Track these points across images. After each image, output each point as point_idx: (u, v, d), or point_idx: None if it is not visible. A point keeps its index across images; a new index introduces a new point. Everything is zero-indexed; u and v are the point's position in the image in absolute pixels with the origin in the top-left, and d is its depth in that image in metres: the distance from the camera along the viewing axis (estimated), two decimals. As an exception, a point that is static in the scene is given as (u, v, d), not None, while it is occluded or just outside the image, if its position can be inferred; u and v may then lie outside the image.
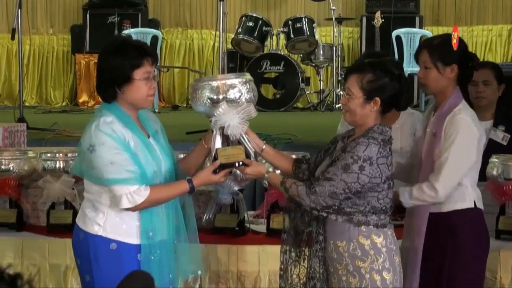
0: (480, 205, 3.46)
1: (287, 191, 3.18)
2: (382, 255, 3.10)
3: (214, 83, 3.25)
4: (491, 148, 4.46)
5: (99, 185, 3.13)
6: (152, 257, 3.14)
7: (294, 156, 3.54)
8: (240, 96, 3.23)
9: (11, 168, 4.20)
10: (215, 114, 3.20)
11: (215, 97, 3.22)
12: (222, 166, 3.21)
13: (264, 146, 3.37)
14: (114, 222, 3.15)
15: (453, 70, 3.45)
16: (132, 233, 3.15)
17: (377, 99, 3.13)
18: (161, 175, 3.20)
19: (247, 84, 3.27)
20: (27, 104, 9.95)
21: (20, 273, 1.39)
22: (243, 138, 3.25)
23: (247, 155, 3.24)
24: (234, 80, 3.27)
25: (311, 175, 3.26)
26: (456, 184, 3.37)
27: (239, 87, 3.25)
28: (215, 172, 3.21)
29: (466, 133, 3.37)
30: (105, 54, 3.19)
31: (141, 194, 3.08)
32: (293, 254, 3.28)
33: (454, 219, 3.42)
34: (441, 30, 10.32)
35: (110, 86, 3.14)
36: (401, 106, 3.26)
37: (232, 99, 3.22)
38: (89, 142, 3.09)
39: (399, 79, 3.17)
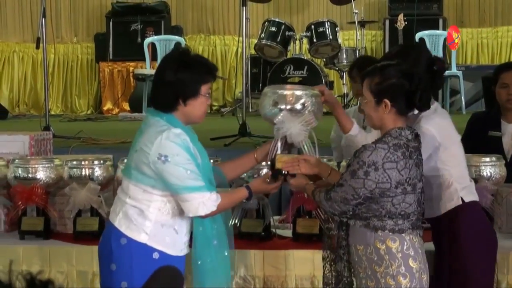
0: (469, 199, 3.48)
1: (314, 198, 3.25)
2: (397, 260, 3.08)
3: (283, 92, 3.42)
4: None
5: (173, 193, 3.15)
6: (207, 263, 3.22)
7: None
8: (303, 108, 3.41)
9: (38, 177, 4.22)
10: (275, 122, 3.37)
11: (282, 106, 3.40)
12: (276, 172, 3.32)
13: (330, 171, 3.43)
14: (159, 232, 3.18)
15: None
16: (173, 246, 3.19)
17: (386, 100, 3.13)
18: (213, 183, 3.29)
19: (313, 98, 3.44)
20: (52, 112, 10.02)
21: (51, 279, 1.40)
22: (304, 148, 3.38)
23: None
24: (302, 92, 3.44)
25: None
26: None
27: (305, 99, 3.42)
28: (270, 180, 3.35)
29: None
30: (173, 66, 3.22)
31: (215, 200, 3.16)
32: (328, 261, 3.32)
33: (446, 220, 3.46)
34: (464, 32, 10.26)
35: (175, 97, 3.19)
36: (420, 106, 3.21)
37: (296, 109, 3.40)
38: (159, 152, 3.12)
39: (410, 78, 3.14)
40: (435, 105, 3.52)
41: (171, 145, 3.12)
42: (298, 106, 3.39)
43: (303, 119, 3.35)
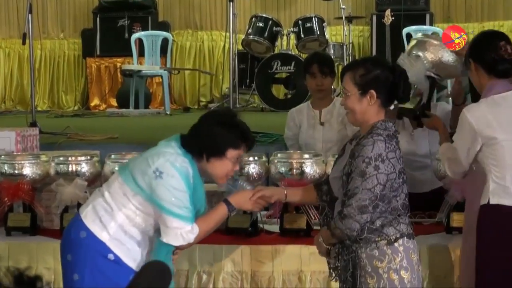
0: (496, 201, 3.34)
1: (333, 233, 3.15)
2: (400, 254, 3.09)
3: (426, 39, 3.96)
4: None
5: (156, 211, 3.14)
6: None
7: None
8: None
9: (25, 173, 4.21)
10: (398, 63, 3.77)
11: (417, 52, 3.90)
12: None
13: (285, 192, 3.44)
14: (121, 237, 3.17)
15: (471, 64, 3.51)
16: (132, 256, 3.18)
17: (372, 91, 3.13)
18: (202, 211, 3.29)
19: (451, 58, 3.92)
20: (39, 108, 9.97)
21: (39, 275, 1.38)
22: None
23: None
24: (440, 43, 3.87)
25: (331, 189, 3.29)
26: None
27: (446, 59, 3.89)
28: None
29: (459, 127, 3.47)
30: (212, 120, 3.24)
31: (194, 232, 3.15)
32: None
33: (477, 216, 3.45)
34: (451, 27, 10.29)
35: (200, 150, 3.18)
36: (402, 98, 3.25)
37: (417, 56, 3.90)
38: (157, 167, 3.12)
39: (392, 70, 3.18)
40: (499, 95, 3.40)
41: (170, 167, 3.12)
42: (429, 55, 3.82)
43: (422, 67, 3.69)
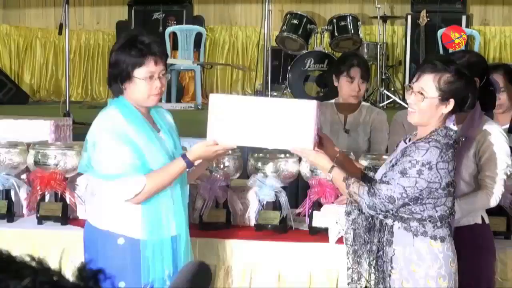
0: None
1: (348, 187, 3.11)
2: (439, 261, 3.03)
3: None
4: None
5: (103, 180, 3.14)
6: (152, 253, 3.14)
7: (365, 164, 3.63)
8: None
9: (57, 162, 4.25)
10: None
11: None
12: None
13: (338, 153, 3.34)
14: (120, 217, 3.14)
15: None
16: (141, 228, 3.13)
17: (452, 100, 3.06)
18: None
19: None
20: (72, 99, 10.06)
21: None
22: None
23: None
24: None
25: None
26: None
27: None
28: None
29: None
30: (115, 47, 3.18)
31: (138, 183, 3.05)
32: (351, 257, 3.23)
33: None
34: (488, 30, 10.20)
35: (115, 81, 3.15)
36: (465, 108, 3.14)
37: None
38: (92, 139, 3.12)
39: (471, 81, 3.13)
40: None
41: (99, 128, 3.11)
42: None
43: None
